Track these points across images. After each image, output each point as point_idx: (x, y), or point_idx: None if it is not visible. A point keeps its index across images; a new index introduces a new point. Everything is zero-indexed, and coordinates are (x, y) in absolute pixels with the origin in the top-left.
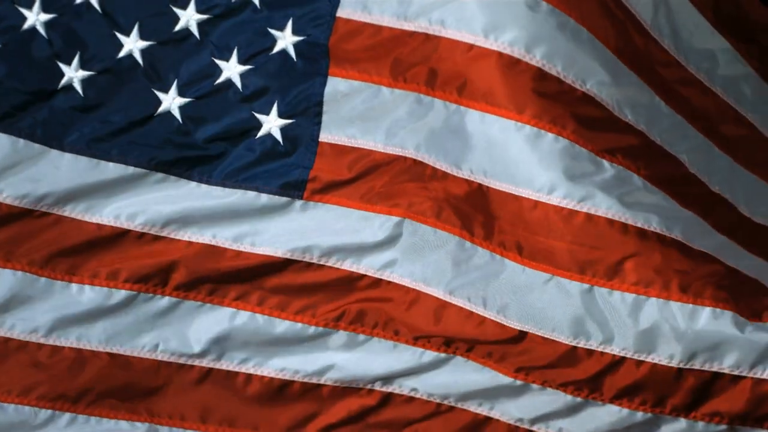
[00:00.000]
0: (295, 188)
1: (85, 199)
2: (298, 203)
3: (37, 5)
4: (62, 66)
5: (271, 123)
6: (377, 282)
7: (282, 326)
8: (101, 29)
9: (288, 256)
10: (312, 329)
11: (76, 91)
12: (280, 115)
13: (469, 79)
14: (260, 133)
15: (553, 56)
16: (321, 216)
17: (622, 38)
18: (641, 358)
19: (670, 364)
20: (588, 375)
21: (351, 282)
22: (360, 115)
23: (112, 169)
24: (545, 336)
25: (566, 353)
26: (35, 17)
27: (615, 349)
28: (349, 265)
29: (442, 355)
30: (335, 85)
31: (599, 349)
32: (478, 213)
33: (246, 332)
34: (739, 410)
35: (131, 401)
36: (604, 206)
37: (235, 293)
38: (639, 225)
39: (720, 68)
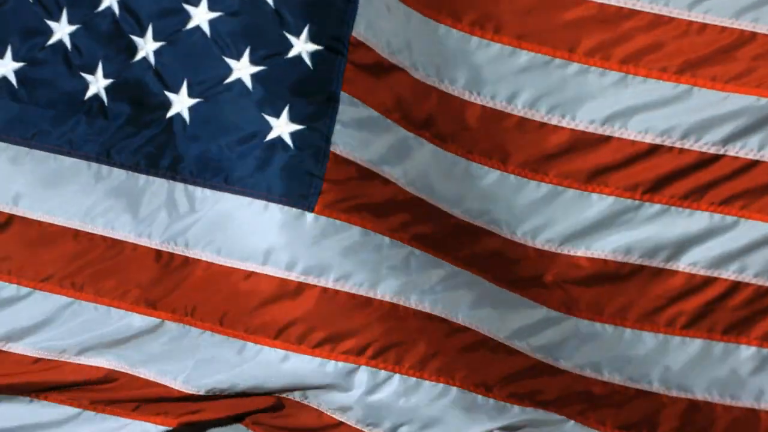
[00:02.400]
0: (306, 200)
1: (113, 213)
2: (310, 216)
3: (64, 17)
4: (87, 77)
5: (282, 127)
6: (394, 307)
7: (298, 360)
8: (120, 33)
9: (302, 279)
10: (332, 365)
11: (102, 101)
12: (292, 120)
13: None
14: (269, 137)
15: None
16: (334, 233)
17: None
18: (630, 385)
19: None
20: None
21: (368, 307)
22: (368, 135)
23: (129, 178)
24: (556, 366)
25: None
26: (62, 30)
27: (604, 377)
28: (366, 290)
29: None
30: (348, 101)
31: (593, 376)
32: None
33: (260, 367)
34: None
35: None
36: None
37: (246, 326)
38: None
39: None
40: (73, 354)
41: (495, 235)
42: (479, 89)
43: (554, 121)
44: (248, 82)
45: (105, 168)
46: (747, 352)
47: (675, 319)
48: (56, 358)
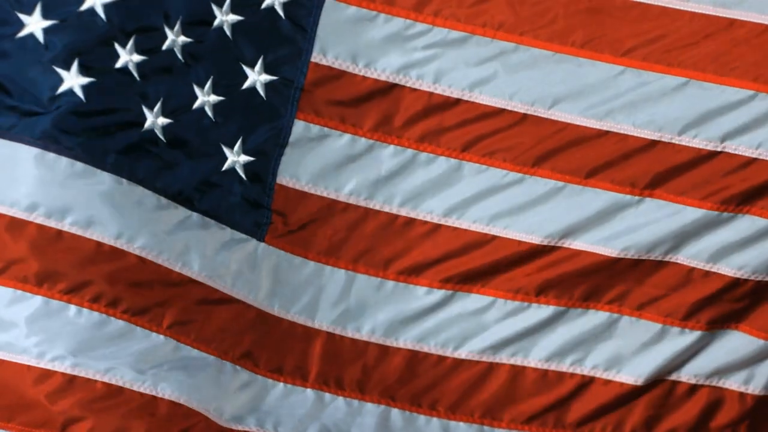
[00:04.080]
0: (256, 229)
1: (84, 211)
2: (261, 246)
3: (37, 12)
4: (61, 72)
5: (235, 158)
6: (332, 336)
7: (256, 380)
8: (101, 38)
9: (256, 305)
10: (281, 386)
11: (78, 97)
12: (245, 152)
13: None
14: (225, 166)
15: None
16: (281, 263)
17: None
18: (609, 377)
19: (635, 383)
20: (556, 399)
21: (311, 336)
22: (324, 161)
23: (106, 181)
24: (515, 363)
25: (536, 381)
26: (35, 23)
27: (585, 369)
28: (304, 320)
29: (406, 413)
30: (302, 129)
31: (570, 371)
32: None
33: (231, 387)
34: (693, 421)
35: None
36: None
37: (216, 343)
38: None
39: None
40: None
41: (471, 232)
42: (480, 89)
43: (554, 116)
44: (209, 111)
45: (89, 167)
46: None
47: (675, 309)
48: None
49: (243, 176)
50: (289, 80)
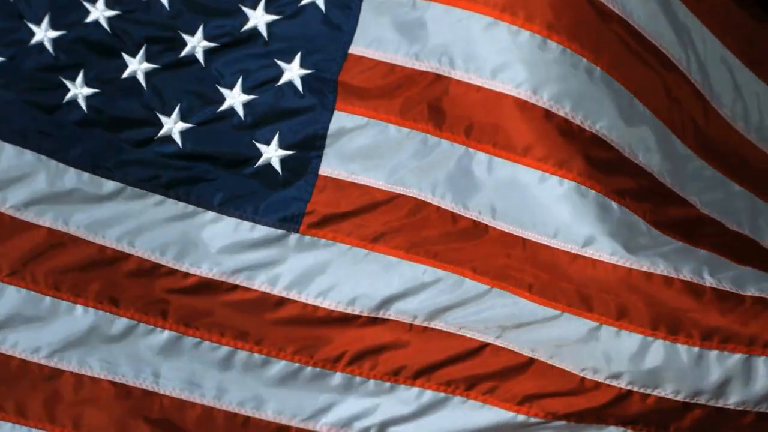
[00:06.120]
0: (291, 221)
1: (88, 217)
2: (294, 237)
3: (45, 22)
4: (67, 82)
5: (271, 153)
6: (373, 320)
7: (278, 366)
8: (108, 49)
9: (284, 294)
10: (309, 370)
11: (80, 107)
12: (281, 146)
13: (476, 120)
14: (259, 162)
15: (561, 97)
16: (318, 252)
17: (642, 75)
18: (647, 392)
19: (675, 398)
20: (594, 405)
21: (347, 321)
22: (364, 151)
23: (112, 188)
24: (554, 364)
25: (573, 384)
26: (43, 33)
27: (621, 383)
28: (344, 306)
29: (441, 395)
30: (341, 120)
31: (606, 382)
32: (481, 252)
33: (244, 372)
34: None
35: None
36: (608, 251)
37: (232, 332)
38: (644, 270)
39: (744, 103)
40: None
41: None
42: (506, 78)
43: (577, 121)
44: (240, 111)
45: (95, 177)
46: None
47: (712, 333)
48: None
49: (279, 171)
50: (328, 72)
